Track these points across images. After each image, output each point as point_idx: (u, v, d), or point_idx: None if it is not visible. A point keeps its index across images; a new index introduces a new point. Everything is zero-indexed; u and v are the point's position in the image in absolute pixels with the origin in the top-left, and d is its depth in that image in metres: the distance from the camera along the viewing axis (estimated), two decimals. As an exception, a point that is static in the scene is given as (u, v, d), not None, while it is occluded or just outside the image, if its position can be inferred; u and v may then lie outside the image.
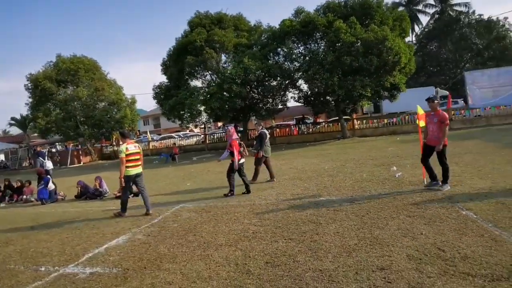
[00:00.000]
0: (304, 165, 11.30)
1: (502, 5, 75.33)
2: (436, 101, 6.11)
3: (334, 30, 17.50)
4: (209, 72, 21.73)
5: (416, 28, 47.40)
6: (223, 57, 20.98)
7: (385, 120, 23.29)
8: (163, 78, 22.79)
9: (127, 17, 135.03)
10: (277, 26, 20.34)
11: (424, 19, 47.40)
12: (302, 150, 17.76)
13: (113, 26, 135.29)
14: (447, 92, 22.86)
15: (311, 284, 2.96)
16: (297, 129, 25.67)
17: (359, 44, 17.17)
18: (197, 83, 22.15)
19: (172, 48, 21.34)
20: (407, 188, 6.27)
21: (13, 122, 45.24)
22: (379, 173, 8.18)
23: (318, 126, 25.19)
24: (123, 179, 6.32)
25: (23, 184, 10.37)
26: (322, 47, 19.45)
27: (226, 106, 18.33)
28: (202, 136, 28.72)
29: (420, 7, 47.31)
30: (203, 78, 22.62)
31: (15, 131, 48.88)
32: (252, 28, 21.79)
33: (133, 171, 6.43)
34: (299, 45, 20.02)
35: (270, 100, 22.82)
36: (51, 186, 9.70)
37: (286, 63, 19.95)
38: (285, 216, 5.24)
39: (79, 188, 9.53)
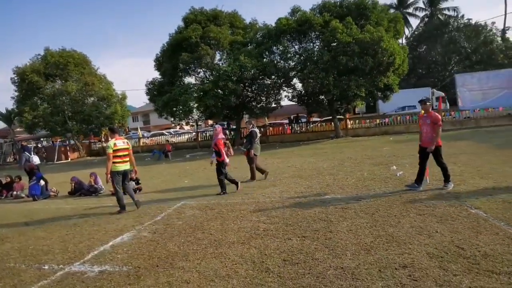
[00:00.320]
0: (302, 164, 11.28)
1: (489, 11, 77.40)
2: (428, 103, 6.16)
3: (330, 30, 17.56)
4: (203, 69, 21.50)
5: (406, 31, 48.17)
6: (218, 55, 20.74)
7: (378, 120, 23.58)
8: (154, 75, 22.52)
9: (115, 11, 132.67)
10: (273, 25, 20.31)
11: (414, 22, 48.21)
12: (297, 148, 17.77)
13: (101, 20, 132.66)
14: (443, 93, 23.26)
15: (335, 282, 2.90)
16: (290, 128, 25.74)
17: (354, 44, 17.25)
18: (190, 80, 21.90)
19: (166, 44, 20.99)
20: (411, 187, 6.28)
21: (-4, 116, 43.82)
22: (379, 172, 8.22)
23: (312, 125, 25.29)
24: (109, 175, 6.25)
25: (13, 179, 9.99)
26: (318, 47, 19.50)
27: (220, 103, 18.15)
28: (194, 133, 28.46)
29: (410, 10, 48.10)
30: (197, 75, 22.38)
31: (-1, 125, 47.38)
32: (247, 26, 21.66)
33: (122, 167, 6.34)
34: (295, 44, 20.01)
35: (264, 98, 22.78)
36: (42, 181, 9.38)
37: (281, 61, 19.92)
38: (293, 214, 5.18)
39: (73, 184, 9.25)
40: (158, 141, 28.57)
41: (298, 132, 24.95)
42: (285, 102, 25.79)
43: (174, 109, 19.56)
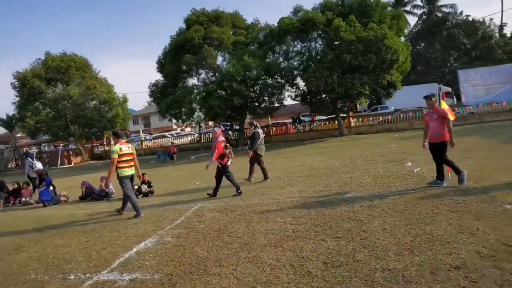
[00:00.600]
0: (312, 163, 11.15)
1: (485, 7, 77.68)
2: (434, 99, 6.06)
3: (333, 28, 17.47)
4: (205, 70, 21.35)
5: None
6: (220, 56, 20.59)
7: (381, 118, 23.49)
8: (153, 77, 22.38)
9: (113, 15, 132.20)
10: (275, 25, 20.20)
11: (411, 20, 48.19)
12: (303, 148, 17.64)
13: (98, 23, 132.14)
14: (450, 89, 23.17)
15: (386, 286, 2.76)
16: (293, 127, 25.62)
17: (358, 42, 17.15)
18: (192, 81, 21.74)
19: (168, 46, 20.83)
20: (434, 184, 6.15)
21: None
22: (395, 169, 8.09)
23: (315, 124, 25.18)
24: (110, 179, 6.28)
25: (21, 186, 9.80)
26: (321, 45, 19.40)
27: (225, 104, 18.00)
28: (197, 135, 28.29)
29: (408, 8, 48.08)
30: (198, 76, 22.23)
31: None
32: (249, 26, 21.52)
33: (128, 172, 6.26)
34: (298, 44, 19.90)
35: (267, 98, 22.63)
36: (51, 187, 9.19)
37: (285, 61, 19.81)
38: (319, 214, 5.04)
39: (84, 188, 9.07)
40: (161, 143, 28.41)
41: (302, 131, 24.86)
42: (287, 101, 25.71)
43: (178, 110, 19.37)
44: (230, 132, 26.24)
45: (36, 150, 29.32)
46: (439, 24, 40.77)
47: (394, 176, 7.26)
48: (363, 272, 3.03)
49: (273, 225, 4.78)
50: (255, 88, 21.31)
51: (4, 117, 32.74)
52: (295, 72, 20.10)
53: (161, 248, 4.35)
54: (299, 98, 23.42)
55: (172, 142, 22.94)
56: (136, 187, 8.61)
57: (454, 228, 3.82)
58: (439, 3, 45.74)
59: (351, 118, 23.82)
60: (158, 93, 20.81)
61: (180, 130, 43.76)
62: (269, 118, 27.62)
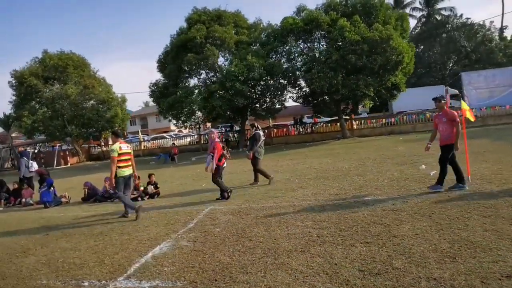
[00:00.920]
0: (320, 165, 10.95)
1: (485, 9, 78.39)
2: (442, 101, 5.92)
3: (338, 29, 17.33)
4: (205, 70, 21.11)
5: (405, 31, 48.27)
6: (221, 56, 20.33)
7: (384, 120, 23.39)
8: (149, 78, 22.11)
9: (108, 16, 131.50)
10: (278, 24, 20.04)
11: (411, 22, 48.31)
12: (307, 150, 17.44)
13: (93, 23, 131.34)
14: (457, 91, 23.11)
15: (437, 297, 2.55)
16: (294, 129, 25.45)
17: (363, 43, 17.02)
18: (193, 81, 21.49)
19: (169, 45, 20.57)
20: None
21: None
22: (409, 172, 7.90)
23: (317, 126, 25.03)
24: (113, 180, 6.10)
25: (21, 186, 9.48)
26: (325, 46, 19.25)
27: (227, 104, 17.76)
28: (196, 136, 28.02)
29: (407, 10, 48.21)
30: (199, 77, 21.98)
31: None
32: (251, 26, 21.33)
33: (126, 171, 6.22)
34: (301, 44, 19.74)
35: (268, 99, 22.43)
36: (52, 188, 8.90)
37: (288, 61, 19.63)
38: (341, 218, 4.82)
39: (86, 189, 8.79)
40: (160, 144, 28.09)
41: (303, 133, 24.70)
42: (289, 103, 25.54)
43: (179, 110, 19.09)
44: (230, 134, 26.03)
45: (33, 150, 28.79)
46: (439, 26, 40.91)
47: (410, 179, 7.07)
48: (406, 281, 2.81)
49: (295, 229, 4.55)
50: (256, 89, 21.13)
51: (1, 116, 32.11)
52: (298, 73, 19.92)
53: (179, 253, 4.10)
54: (300, 100, 23.33)
55: (173, 143, 22.65)
56: (141, 188, 8.39)
57: (491, 234, 3.62)
58: (438, 6, 46.04)
59: (353, 120, 23.71)
60: (158, 93, 20.52)
61: (178, 131, 43.41)
62: (270, 120, 27.44)
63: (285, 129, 25.67)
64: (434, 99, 6.02)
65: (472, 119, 6.60)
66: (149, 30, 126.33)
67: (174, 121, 21.90)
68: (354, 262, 3.30)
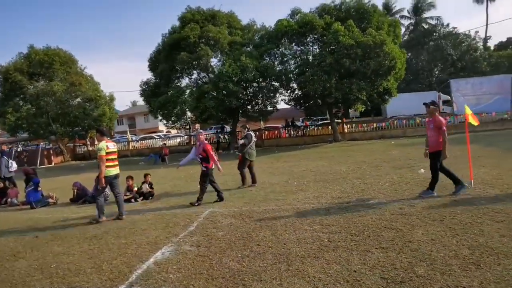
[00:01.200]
0: (316, 168, 10.83)
1: (470, 19, 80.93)
2: (431, 106, 5.93)
3: (332, 32, 17.36)
4: (197, 70, 20.80)
5: (393, 38, 49.14)
6: (214, 56, 20.06)
7: (374, 124, 23.59)
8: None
9: (94, 15, 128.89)
10: (272, 26, 19.97)
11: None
12: (299, 152, 17.34)
13: (81, 20, 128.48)
14: (449, 97, 23.56)
15: (471, 307, 2.41)
16: (286, 131, 25.37)
17: (357, 47, 17.10)
18: (185, 81, 21.13)
19: (160, 44, 20.17)
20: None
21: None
22: (409, 176, 7.87)
23: (308, 129, 25.03)
24: (102, 180, 5.85)
25: (6, 185, 8.97)
26: (319, 49, 19.26)
27: (220, 105, 17.51)
28: (186, 137, 27.58)
29: (396, 18, 49.20)
30: (190, 77, 21.65)
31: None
32: (245, 27, 21.17)
33: (113, 171, 6.04)
34: (295, 46, 19.70)
35: (260, 101, 22.27)
36: (39, 187, 8.45)
37: (281, 64, 19.55)
38: (349, 222, 4.68)
39: (75, 190, 8.37)
40: (149, 144, 27.51)
41: (294, 136, 24.64)
42: (280, 105, 25.46)
43: (171, 110, 18.70)
44: (220, 136, 25.74)
45: (17, 148, 27.68)
46: (427, 34, 41.87)
47: (412, 183, 7.02)
48: (434, 290, 2.67)
49: (303, 233, 4.37)
50: (248, 90, 20.95)
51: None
52: (291, 75, 19.85)
53: (183, 258, 3.85)
54: (292, 102, 23.29)
55: (164, 143, 22.16)
56: (135, 188, 8.06)
57: (510, 240, 3.53)
58: (426, 15, 47.19)
59: (344, 124, 23.82)
60: (149, 92, 20.06)
61: (166, 132, 42.74)
62: (261, 122, 27.29)
63: (276, 132, 25.55)
64: (424, 104, 6.06)
65: (475, 123, 6.62)
66: (137, 29, 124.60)
67: (164, 121, 21.43)
68: (373, 269, 3.14)
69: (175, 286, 3.16)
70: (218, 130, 25.92)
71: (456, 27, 42.93)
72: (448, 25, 42.98)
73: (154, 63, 20.43)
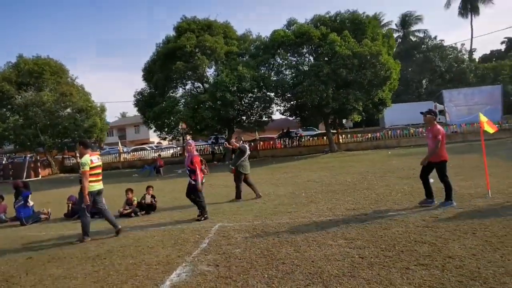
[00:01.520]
0: (320, 178, 10.59)
1: (456, 33, 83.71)
2: (428, 115, 5.89)
3: (329, 43, 17.44)
4: (192, 80, 20.55)
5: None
6: (210, 65, 19.88)
7: (369, 135, 23.66)
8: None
9: (81, 25, 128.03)
10: (268, 36, 19.97)
11: (389, 42, 50.36)
12: (298, 163, 17.11)
13: (69, 30, 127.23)
14: (443, 107, 23.90)
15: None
16: (281, 142, 25.19)
17: (353, 57, 17.18)
18: (180, 91, 20.81)
19: (155, 53, 19.89)
20: (477, 202, 5.75)
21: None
22: (419, 186, 7.41)
23: (303, 140, 24.92)
24: (86, 196, 5.41)
25: (-7, 200, 8.37)
26: (314, 60, 19.30)
27: (217, 115, 17.21)
28: (179, 148, 27.09)
29: (384, 31, 50.39)
30: (184, 88, 21.37)
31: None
32: (241, 37, 21.13)
33: (97, 186, 5.62)
34: (291, 56, 19.70)
35: (255, 112, 22.08)
36: (30, 202, 7.92)
37: (277, 74, 19.49)
38: (374, 235, 4.39)
39: (70, 204, 7.86)
40: (141, 156, 26.88)
41: (289, 146, 24.47)
42: (275, 115, 25.34)
43: (166, 121, 18.31)
44: (215, 147, 25.37)
45: (2, 160, 26.60)
46: (416, 47, 42.89)
47: (424, 194, 6.80)
48: (501, 315, 2.38)
49: (329, 249, 4.05)
50: (242, 101, 20.76)
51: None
52: (287, 86, 19.78)
53: (203, 280, 3.47)
54: (288, 113, 23.20)
55: (159, 155, 21.62)
56: (135, 202, 7.63)
57: (558, 253, 3.30)
58: (413, 28, 48.53)
59: (339, 134, 23.81)
60: (144, 102, 19.63)
61: (157, 143, 42.08)
62: (257, 133, 27.08)
63: (271, 142, 25.35)
64: (421, 113, 6.07)
65: (492, 131, 6.47)
66: (124, 41, 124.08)
67: (158, 132, 20.97)
68: (422, 289, 2.85)
69: (202, 315, 2.79)
70: (213, 141, 25.54)
71: (443, 40, 44.12)
72: (436, 37, 44.18)
73: (148, 73, 20.08)
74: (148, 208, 7.48)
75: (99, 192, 5.68)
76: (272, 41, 18.93)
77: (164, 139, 26.76)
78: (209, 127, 18.42)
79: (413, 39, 47.40)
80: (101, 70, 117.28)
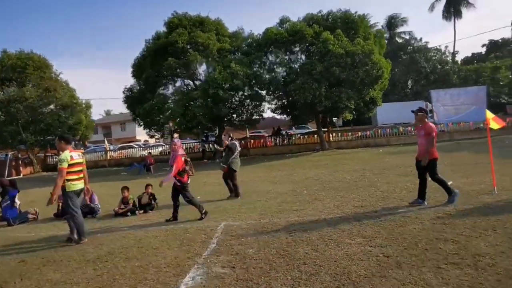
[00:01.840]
0: (318, 176, 10.46)
1: (441, 34, 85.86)
2: (419, 113, 5.88)
3: (322, 41, 17.36)
4: (182, 77, 20.08)
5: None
6: (203, 62, 19.46)
7: (359, 133, 23.80)
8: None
9: (62, 18, 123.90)
10: (260, 34, 19.74)
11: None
12: (290, 161, 16.96)
13: (46, 25, 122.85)
14: (431, 106, 24.25)
15: None
16: (271, 140, 25.01)
17: (346, 56, 17.16)
18: (171, 87, 20.29)
19: (145, 49, 19.31)
20: (485, 198, 5.71)
21: None
22: (422, 183, 7.62)
23: (294, 138, 24.83)
24: (55, 195, 4.96)
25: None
26: (306, 58, 19.20)
27: (209, 112, 16.86)
28: (169, 146, 26.49)
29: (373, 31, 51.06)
30: (174, 85, 20.86)
31: None
32: (233, 35, 20.80)
33: (79, 185, 5.14)
34: (284, 55, 19.52)
35: (245, 109, 21.82)
36: (17, 201, 7.43)
37: (270, 71, 19.29)
38: (392, 233, 4.25)
39: (61, 203, 7.38)
40: (128, 154, 26.14)
41: (280, 144, 24.33)
42: (266, 113, 25.17)
43: (157, 118, 17.79)
44: (205, 145, 24.95)
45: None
46: (402, 48, 43.66)
47: (431, 190, 6.66)
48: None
49: (349, 247, 3.87)
50: (234, 98, 20.46)
51: None
52: (280, 84, 19.61)
53: (221, 284, 3.22)
54: (279, 111, 23.05)
55: (150, 152, 21.04)
56: (131, 201, 7.27)
57: None
58: (399, 30, 49.41)
59: (330, 132, 23.84)
60: (133, 99, 19.02)
61: (144, 141, 41.20)
62: (247, 130, 26.81)
63: (262, 140, 25.13)
64: (412, 111, 6.05)
65: (497, 126, 6.41)
66: (109, 36, 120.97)
67: (147, 130, 20.41)
68: (461, 290, 2.70)
69: (229, 322, 2.54)
70: (203, 139, 25.10)
71: (428, 42, 45.13)
72: (421, 39, 45.08)
73: (138, 69, 19.45)
74: (145, 206, 7.12)
75: (81, 191, 5.21)
76: (265, 38, 18.71)
77: (152, 137, 26.15)
78: (200, 125, 18.02)
79: (399, 40, 48.24)
80: (83, 67, 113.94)
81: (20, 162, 24.07)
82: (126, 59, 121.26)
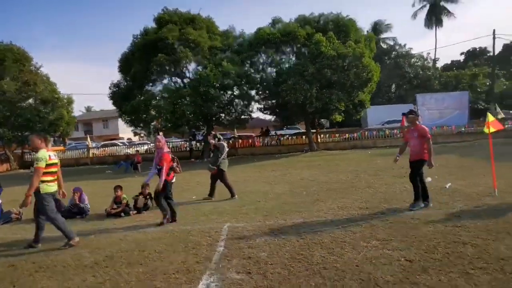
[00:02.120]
0: (313, 176, 10.37)
1: (422, 41, 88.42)
2: (410, 116, 5.95)
3: (314, 43, 17.35)
4: (170, 75, 19.60)
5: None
6: (194, 59, 19.06)
7: (347, 135, 24.03)
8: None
9: (41, 11, 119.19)
10: (251, 33, 19.53)
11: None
12: (281, 161, 16.85)
13: (26, 15, 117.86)
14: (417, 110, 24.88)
15: None
16: (260, 140, 24.86)
17: (338, 58, 17.23)
18: (160, 84, 19.76)
19: (132, 45, 18.68)
20: (487, 200, 5.76)
21: None
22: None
23: (282, 139, 24.77)
24: (31, 198, 4.57)
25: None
26: (297, 59, 19.15)
27: (199, 110, 16.49)
28: (152, 144, 25.83)
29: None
30: (161, 82, 20.34)
31: None
32: (224, 33, 20.49)
33: (54, 187, 4.82)
34: (276, 55, 19.40)
35: (234, 109, 21.55)
36: (-2, 201, 6.89)
37: (260, 71, 19.14)
38: (408, 236, 4.16)
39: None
40: (111, 152, 25.29)
41: (268, 145, 24.21)
42: (255, 114, 24.98)
43: (144, 115, 17.24)
44: (193, 143, 24.49)
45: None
46: (386, 53, 44.63)
47: (432, 192, 6.72)
48: None
49: (367, 251, 3.74)
50: (222, 98, 20.15)
51: None
52: (271, 84, 19.48)
53: (240, 291, 3.00)
54: (268, 111, 22.94)
55: (137, 150, 20.38)
56: (124, 201, 6.90)
57: None
58: (383, 36, 50.53)
59: (318, 134, 23.94)
60: (120, 95, 18.36)
61: (128, 139, 40.13)
62: (235, 130, 26.53)
63: (250, 140, 24.93)
64: (403, 114, 6.14)
65: (494, 129, 6.46)
66: (91, 31, 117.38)
67: (133, 127, 19.79)
68: (497, 296, 2.60)
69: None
70: (190, 138, 24.61)
71: (411, 48, 46.41)
72: (405, 45, 46.26)
73: (125, 65, 18.78)
74: (141, 208, 6.78)
75: (54, 194, 4.86)
76: (256, 38, 18.51)
77: (137, 134, 25.43)
78: (189, 123, 17.61)
79: (384, 46, 49.30)
80: (62, 61, 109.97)
81: (-5, 159, 22.81)
82: (105, 54, 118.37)
